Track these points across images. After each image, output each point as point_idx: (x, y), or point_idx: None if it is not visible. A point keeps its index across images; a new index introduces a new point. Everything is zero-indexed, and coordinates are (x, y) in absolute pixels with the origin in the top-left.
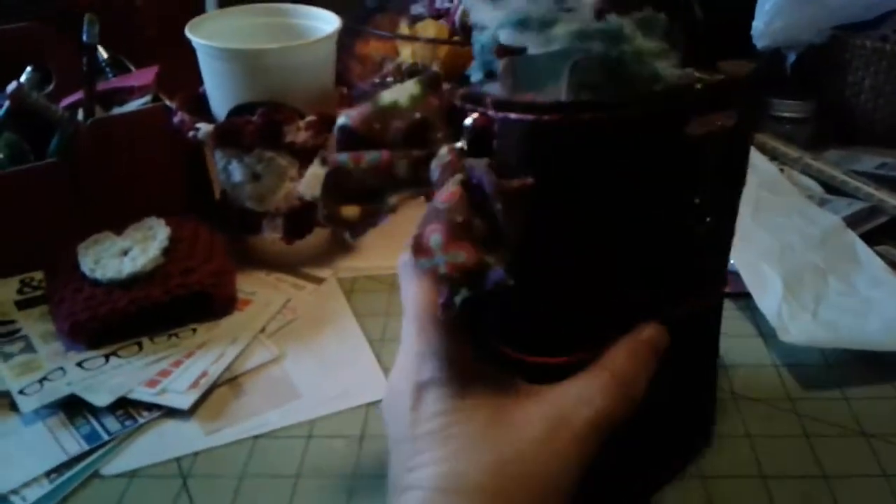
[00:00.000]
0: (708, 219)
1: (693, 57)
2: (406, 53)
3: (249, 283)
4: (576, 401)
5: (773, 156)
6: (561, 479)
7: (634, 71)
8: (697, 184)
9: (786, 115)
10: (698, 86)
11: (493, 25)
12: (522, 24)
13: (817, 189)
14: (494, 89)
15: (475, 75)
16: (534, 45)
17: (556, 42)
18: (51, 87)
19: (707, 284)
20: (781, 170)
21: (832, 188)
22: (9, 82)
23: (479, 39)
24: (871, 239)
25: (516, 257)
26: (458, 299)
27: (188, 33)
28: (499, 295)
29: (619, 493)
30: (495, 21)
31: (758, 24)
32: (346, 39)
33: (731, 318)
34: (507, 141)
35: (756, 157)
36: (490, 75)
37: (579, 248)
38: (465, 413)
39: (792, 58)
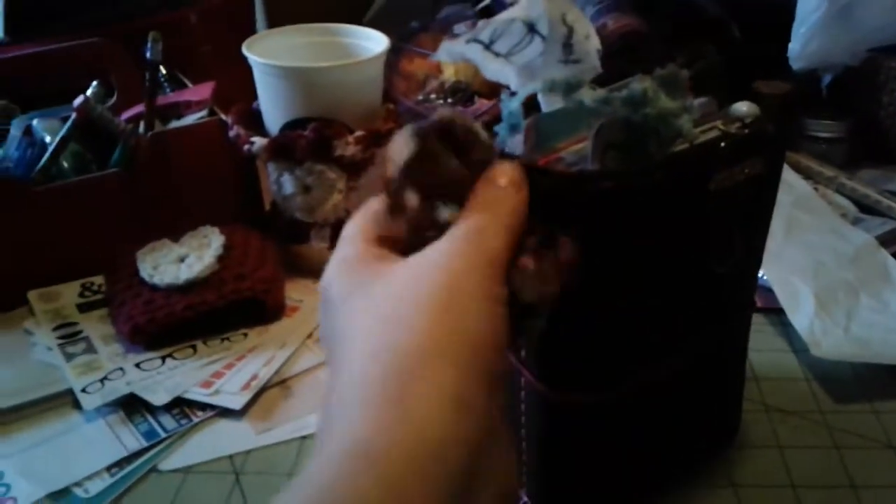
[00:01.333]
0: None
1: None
2: (449, 72)
3: (297, 291)
4: (458, 234)
5: (808, 175)
6: (487, 287)
7: (659, 130)
8: (725, 229)
9: (821, 134)
10: (722, 144)
11: (521, 93)
12: (550, 89)
13: (851, 208)
14: (517, 145)
15: (502, 132)
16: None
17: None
18: (113, 100)
19: (733, 312)
20: (816, 189)
21: (866, 207)
22: (75, 96)
23: (508, 105)
24: None
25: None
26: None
27: (245, 51)
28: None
29: (639, 486)
30: (524, 90)
31: (794, 47)
32: (391, 57)
33: (764, 333)
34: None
35: (790, 176)
36: (514, 128)
37: (605, 298)
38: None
39: (827, 79)
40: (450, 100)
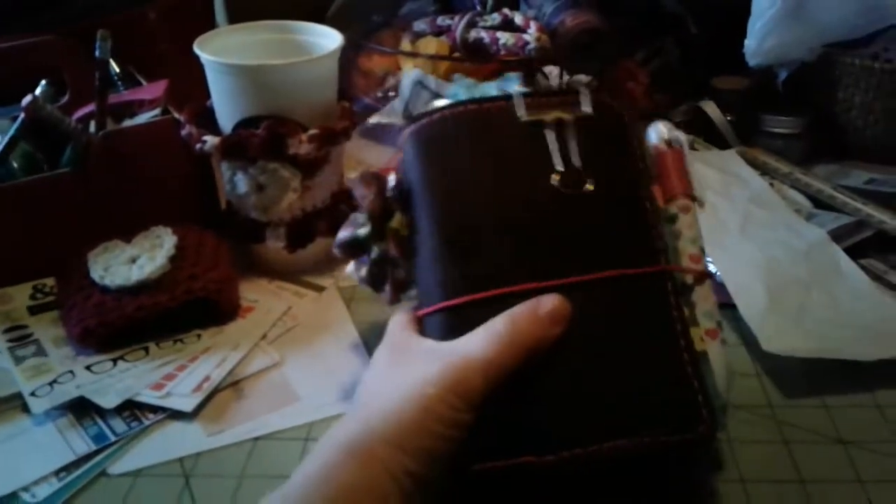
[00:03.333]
0: (588, 186)
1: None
2: (408, 69)
3: (252, 291)
4: (465, 351)
5: (764, 170)
6: (455, 416)
7: None
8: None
9: (777, 130)
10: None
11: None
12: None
13: (806, 203)
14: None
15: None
16: None
17: None
18: (64, 99)
19: (629, 255)
20: (771, 184)
21: (821, 203)
22: (24, 95)
23: None
24: (856, 253)
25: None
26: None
27: (196, 49)
28: None
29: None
30: None
31: (750, 43)
32: (350, 54)
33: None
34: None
35: (746, 172)
36: None
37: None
38: (374, 365)
39: (784, 74)
40: (414, 68)
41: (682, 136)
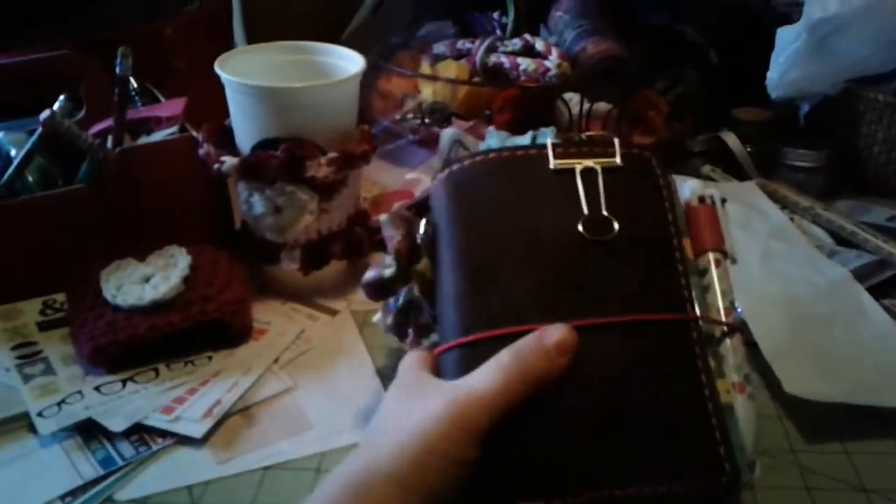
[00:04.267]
0: (613, 233)
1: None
2: (427, 92)
3: (265, 313)
4: (469, 386)
5: (784, 204)
6: (459, 453)
7: None
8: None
9: (798, 163)
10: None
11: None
12: None
13: (827, 239)
14: None
15: None
16: None
17: None
18: (81, 114)
19: (654, 301)
20: (792, 219)
21: (842, 239)
22: (42, 109)
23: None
24: (878, 292)
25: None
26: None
27: (217, 68)
28: None
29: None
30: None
31: (773, 76)
32: (369, 75)
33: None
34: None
35: (766, 205)
36: None
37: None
38: (384, 404)
39: (805, 108)
40: (427, 119)
41: (715, 193)
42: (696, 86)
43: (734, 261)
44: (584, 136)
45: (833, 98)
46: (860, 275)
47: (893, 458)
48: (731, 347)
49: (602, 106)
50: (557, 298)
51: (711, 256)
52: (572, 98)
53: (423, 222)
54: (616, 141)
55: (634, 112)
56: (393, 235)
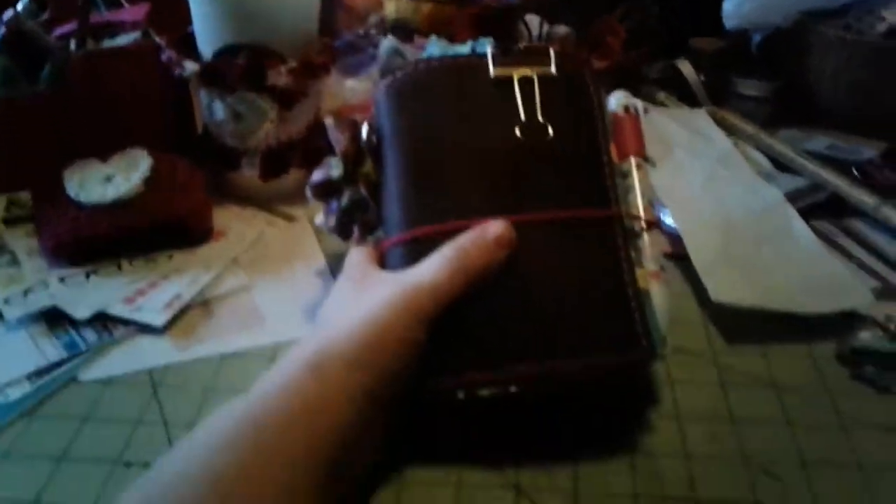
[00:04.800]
0: (549, 135)
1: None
2: (391, 8)
3: (226, 217)
4: (416, 276)
5: (731, 131)
6: (410, 335)
7: None
8: (532, 111)
9: (748, 93)
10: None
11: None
12: None
13: (767, 165)
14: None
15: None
16: None
17: None
18: (45, 15)
19: (583, 198)
20: (736, 144)
21: (782, 165)
22: (5, 10)
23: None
24: (811, 214)
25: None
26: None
27: None
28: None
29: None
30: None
31: (728, 6)
32: None
33: (672, 279)
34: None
35: (714, 131)
36: None
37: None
38: (334, 292)
39: (758, 38)
40: (390, 35)
41: (638, 104)
42: (655, 14)
43: (653, 165)
44: (522, 45)
45: (785, 30)
46: (794, 197)
47: (804, 360)
48: (648, 241)
49: (561, 29)
50: (496, 196)
51: (633, 161)
52: (533, 20)
53: (365, 128)
54: (552, 51)
55: (593, 36)
56: (339, 139)
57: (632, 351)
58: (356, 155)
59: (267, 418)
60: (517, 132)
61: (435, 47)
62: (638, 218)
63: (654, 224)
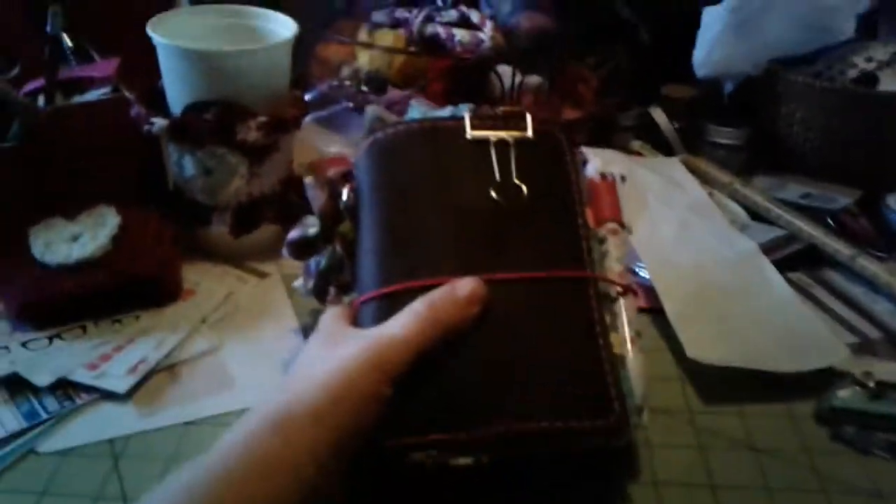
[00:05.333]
0: (523, 196)
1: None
2: (364, 60)
3: (196, 274)
4: (386, 331)
5: (705, 179)
6: (376, 390)
7: None
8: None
9: (721, 140)
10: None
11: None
12: None
13: (742, 215)
14: None
15: None
16: None
17: None
18: (14, 72)
19: (557, 259)
20: (711, 194)
21: (757, 215)
22: None
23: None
24: (786, 265)
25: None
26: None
27: (149, 30)
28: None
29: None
30: None
31: (698, 54)
32: (309, 40)
33: (646, 334)
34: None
35: (687, 181)
36: None
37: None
38: (304, 350)
39: (729, 87)
40: (363, 87)
41: (616, 171)
42: (627, 62)
43: (630, 231)
44: (500, 110)
45: (755, 78)
46: (769, 248)
47: (782, 419)
48: (624, 306)
49: (534, 79)
50: (470, 255)
51: (610, 226)
52: (505, 70)
53: (346, 189)
54: (528, 115)
55: (565, 86)
56: (317, 196)
57: (604, 416)
58: (334, 213)
59: (224, 476)
60: (492, 193)
61: (416, 111)
62: (615, 283)
63: (631, 290)
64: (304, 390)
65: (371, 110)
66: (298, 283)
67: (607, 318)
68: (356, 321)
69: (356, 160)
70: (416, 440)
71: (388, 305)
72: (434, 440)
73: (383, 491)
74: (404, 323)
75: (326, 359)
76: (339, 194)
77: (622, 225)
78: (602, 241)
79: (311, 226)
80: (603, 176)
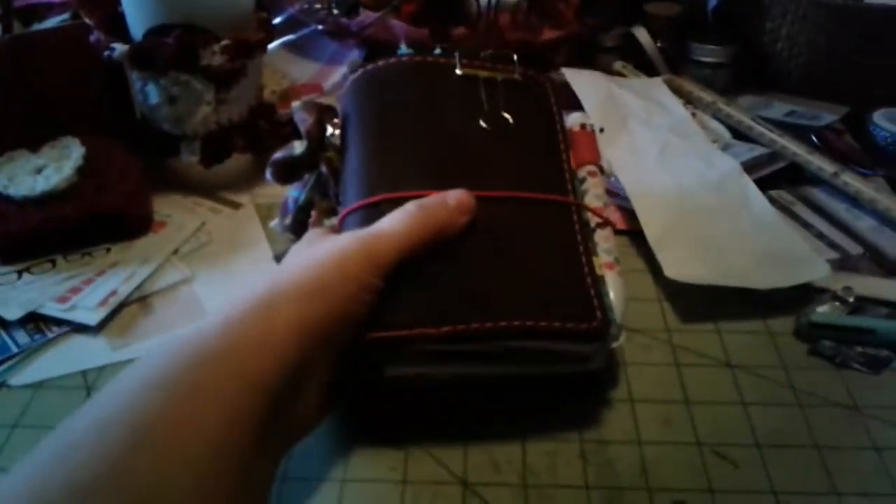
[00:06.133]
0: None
1: None
2: None
3: (166, 206)
4: (378, 227)
5: (689, 99)
6: (368, 280)
7: None
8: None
9: (705, 59)
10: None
11: None
12: None
13: (725, 134)
14: None
15: None
16: None
17: None
18: None
19: (545, 184)
20: (694, 114)
21: (739, 133)
22: None
23: None
24: (769, 184)
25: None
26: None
27: None
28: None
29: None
30: None
31: None
32: None
33: (625, 255)
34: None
35: (670, 101)
36: None
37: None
38: (294, 247)
39: (714, 2)
40: (335, 10)
41: (595, 122)
42: None
43: (608, 175)
44: (488, 52)
45: None
46: (751, 167)
47: (759, 336)
48: (602, 236)
49: None
50: (457, 173)
51: (589, 169)
52: None
53: (331, 126)
54: (515, 58)
55: (544, 4)
56: (305, 119)
57: (587, 319)
58: (321, 134)
59: (202, 352)
60: (481, 122)
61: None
62: (595, 211)
63: (609, 222)
64: (292, 273)
65: (353, 54)
66: (275, 223)
67: (589, 243)
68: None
69: (345, 89)
70: (402, 333)
71: (374, 215)
72: (419, 334)
73: (362, 402)
74: (397, 221)
75: (317, 248)
76: (327, 120)
77: (601, 169)
78: (582, 181)
79: (297, 146)
80: (583, 126)
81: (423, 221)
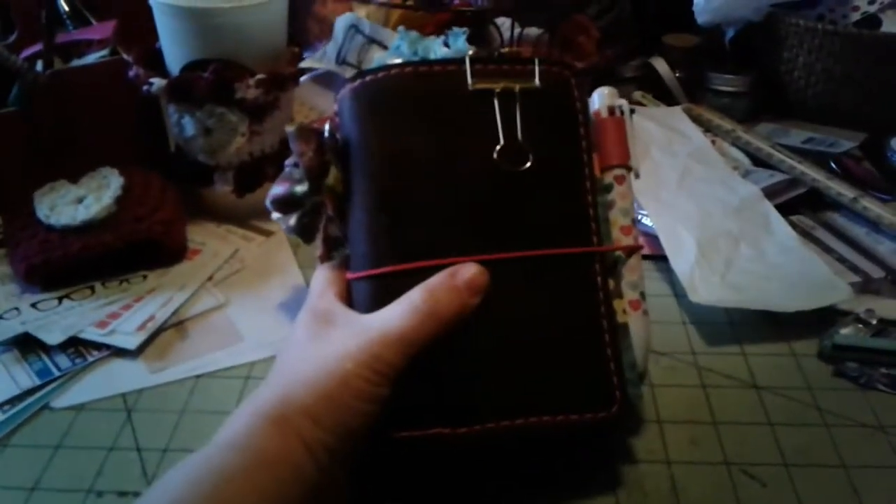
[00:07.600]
0: (528, 164)
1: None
2: (361, 15)
3: (200, 234)
4: (381, 324)
5: (708, 127)
6: (372, 390)
7: None
8: (511, 131)
9: (723, 88)
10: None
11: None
12: None
13: (745, 161)
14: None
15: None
16: None
17: None
18: (12, 37)
19: (561, 234)
20: (713, 141)
21: (759, 160)
22: None
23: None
24: (789, 209)
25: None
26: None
27: None
28: None
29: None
30: None
31: (699, 1)
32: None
33: (650, 279)
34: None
35: (690, 129)
36: None
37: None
38: (295, 333)
39: (731, 33)
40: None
41: (625, 105)
42: (628, 12)
43: (637, 175)
44: (502, 51)
45: (756, 23)
46: (771, 192)
47: (784, 358)
48: (630, 267)
49: (533, 31)
50: (469, 231)
51: (616, 173)
52: (504, 22)
53: (326, 127)
54: (536, 60)
55: (565, 37)
56: (304, 151)
57: (606, 407)
58: (321, 167)
59: (226, 471)
60: (495, 156)
61: (404, 39)
62: (618, 248)
63: (637, 248)
64: (298, 388)
65: (344, 17)
66: (277, 216)
67: (611, 286)
68: (348, 294)
69: (340, 101)
70: (417, 433)
71: (383, 288)
72: (435, 434)
73: (385, 478)
74: (401, 315)
75: (319, 352)
76: (325, 143)
77: (629, 168)
78: (608, 188)
79: (299, 181)
80: (611, 111)
81: (432, 313)
